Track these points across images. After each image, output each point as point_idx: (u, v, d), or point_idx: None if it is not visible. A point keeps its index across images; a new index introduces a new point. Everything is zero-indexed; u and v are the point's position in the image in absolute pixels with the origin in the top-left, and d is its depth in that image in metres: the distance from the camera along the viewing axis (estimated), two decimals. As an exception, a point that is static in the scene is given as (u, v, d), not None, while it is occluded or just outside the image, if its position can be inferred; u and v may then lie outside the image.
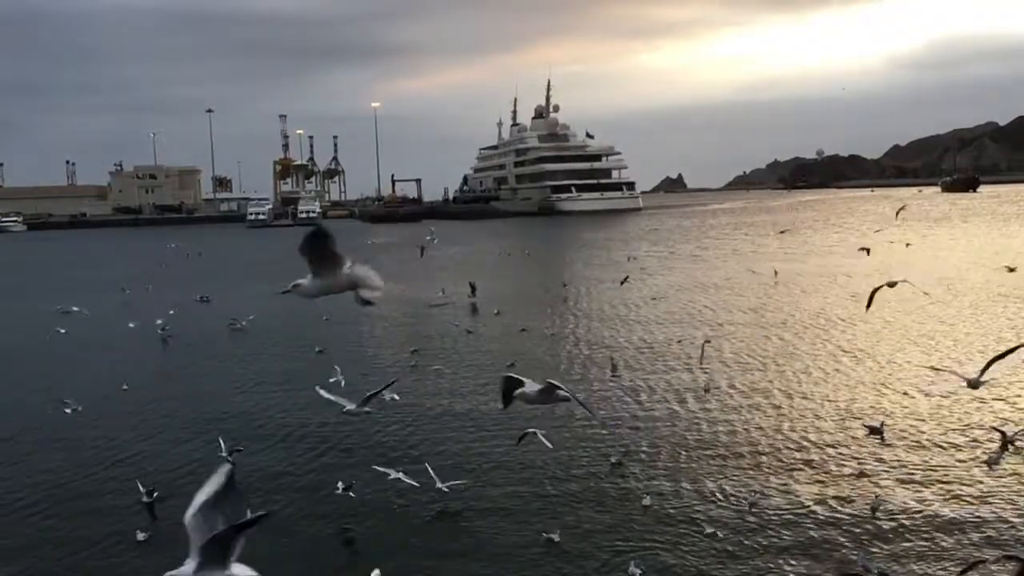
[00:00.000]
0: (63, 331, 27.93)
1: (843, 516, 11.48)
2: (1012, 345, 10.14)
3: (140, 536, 11.29)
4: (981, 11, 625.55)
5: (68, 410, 16.97)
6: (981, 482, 12.43)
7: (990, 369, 10.02)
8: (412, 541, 11.35)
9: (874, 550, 10.49)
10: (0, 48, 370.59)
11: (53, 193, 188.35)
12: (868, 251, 34.95)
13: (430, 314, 31.24)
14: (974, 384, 10.49)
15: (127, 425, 17.03)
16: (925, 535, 10.86)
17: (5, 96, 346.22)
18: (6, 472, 14.44)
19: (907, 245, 35.73)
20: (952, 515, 11.39)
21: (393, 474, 12.07)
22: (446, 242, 77.77)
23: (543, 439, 12.72)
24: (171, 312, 30.29)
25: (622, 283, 35.21)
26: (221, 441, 13.87)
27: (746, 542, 10.83)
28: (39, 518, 12.43)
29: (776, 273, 37.57)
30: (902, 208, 51.53)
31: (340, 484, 12.39)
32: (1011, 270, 33.83)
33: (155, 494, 12.69)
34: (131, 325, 28.95)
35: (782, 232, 37.84)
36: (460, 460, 14.24)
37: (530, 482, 13.16)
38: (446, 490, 12.27)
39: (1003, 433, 14.06)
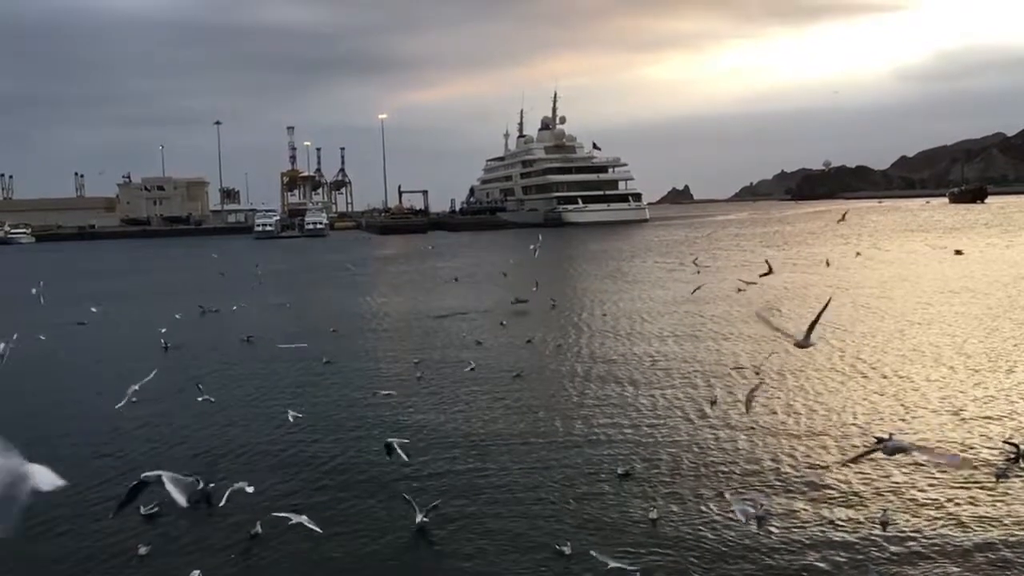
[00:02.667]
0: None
1: (851, 531, 11.30)
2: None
3: (142, 550, 11.18)
4: (988, 22, 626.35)
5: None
6: (991, 494, 12.25)
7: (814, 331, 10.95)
8: (418, 558, 11.22)
9: (884, 566, 10.33)
10: (9, 62, 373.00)
11: (62, 205, 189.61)
12: (961, 252, 35.23)
13: (439, 325, 31.19)
14: (802, 345, 10.92)
15: (132, 437, 16.96)
16: (935, 549, 10.68)
17: (14, 109, 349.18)
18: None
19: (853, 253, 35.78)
20: (962, 529, 11.21)
21: (295, 519, 11.18)
22: (450, 254, 78.16)
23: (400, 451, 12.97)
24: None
25: (694, 292, 35.21)
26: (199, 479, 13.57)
27: (752, 558, 10.67)
28: (39, 531, 12.33)
29: (784, 286, 37.40)
30: (844, 215, 51.76)
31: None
32: None
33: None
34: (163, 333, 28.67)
35: (763, 275, 37.21)
36: (469, 471, 14.13)
37: (539, 493, 13.03)
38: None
39: (1016, 446, 13.89)
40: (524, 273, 45.66)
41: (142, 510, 12.58)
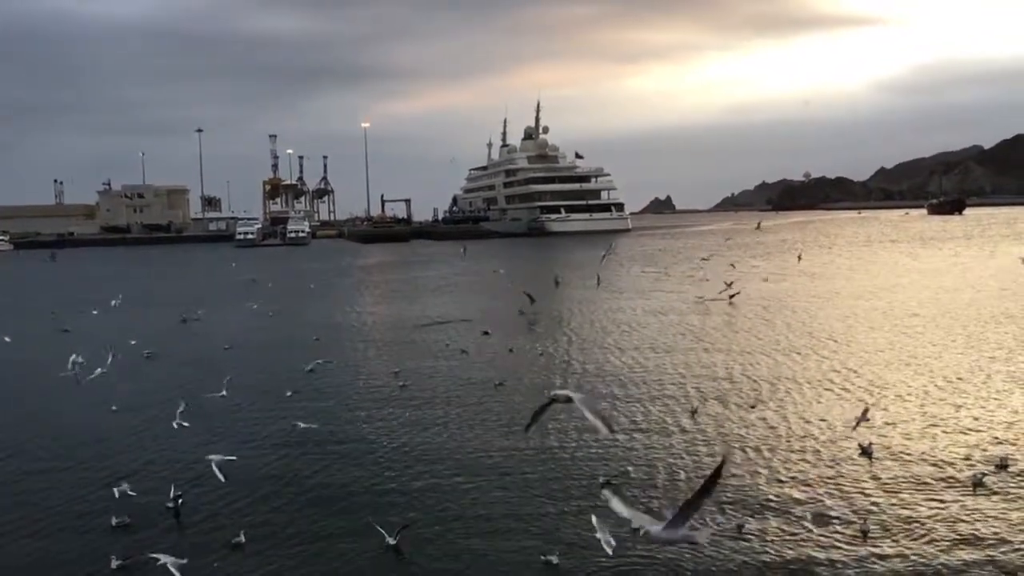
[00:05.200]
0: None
1: (833, 538, 11.31)
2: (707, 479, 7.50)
3: (114, 563, 10.93)
4: (965, 37, 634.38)
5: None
6: (970, 503, 12.30)
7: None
8: (399, 570, 11.08)
9: (865, 572, 10.32)
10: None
11: (40, 212, 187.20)
12: None
13: (422, 335, 31.02)
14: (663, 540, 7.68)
15: (104, 447, 16.68)
16: (914, 559, 10.68)
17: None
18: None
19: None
20: (942, 536, 11.23)
21: (164, 559, 10.49)
22: (435, 262, 77.99)
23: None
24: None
25: (727, 289, 36.35)
26: (172, 488, 13.30)
27: (735, 565, 10.64)
28: (8, 541, 12.09)
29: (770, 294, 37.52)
30: (758, 224, 53.00)
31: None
32: None
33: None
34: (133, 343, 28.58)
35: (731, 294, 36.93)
36: (452, 479, 14.01)
37: (520, 501, 12.94)
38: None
39: (999, 457, 13.96)
40: (520, 280, 45.62)
41: (113, 521, 12.37)
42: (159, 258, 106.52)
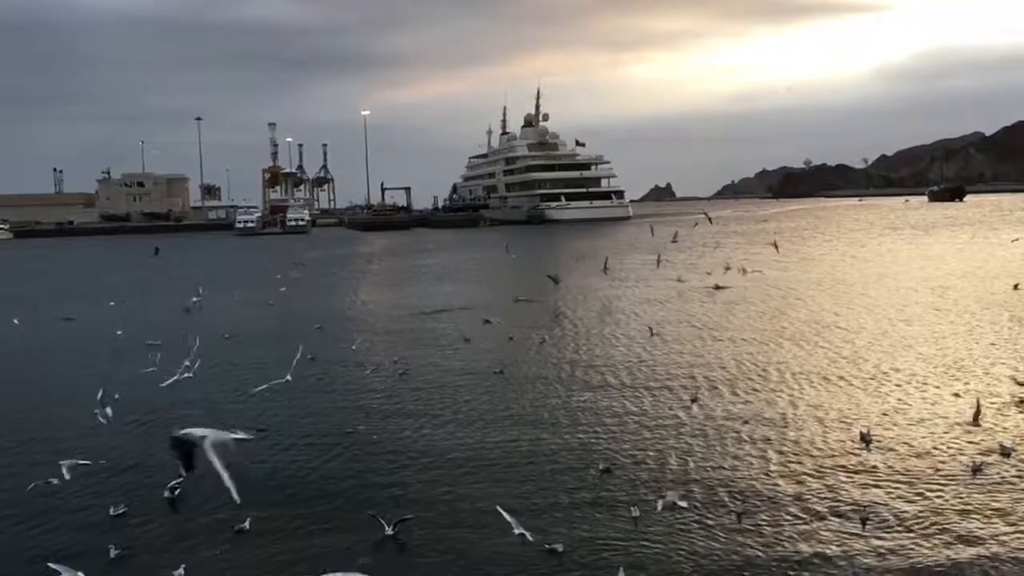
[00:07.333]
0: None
1: (833, 526, 11.26)
2: None
3: (113, 553, 10.88)
4: (966, 23, 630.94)
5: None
6: (972, 491, 12.25)
7: None
8: (402, 557, 11.04)
9: (864, 562, 10.27)
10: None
11: (40, 201, 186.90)
12: None
13: (423, 322, 30.98)
14: None
15: (110, 437, 16.63)
16: (915, 545, 10.64)
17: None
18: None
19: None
20: (943, 524, 11.18)
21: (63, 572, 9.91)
22: (436, 249, 77.88)
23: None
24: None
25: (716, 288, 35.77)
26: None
27: (734, 554, 10.59)
28: (6, 531, 12.04)
29: (771, 281, 37.47)
30: (706, 214, 53.07)
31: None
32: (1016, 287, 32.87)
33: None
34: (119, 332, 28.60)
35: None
36: (453, 470, 13.96)
37: (524, 492, 12.88)
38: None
39: (1001, 444, 13.90)
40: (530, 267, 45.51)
41: (111, 511, 12.32)
42: (195, 246, 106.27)
